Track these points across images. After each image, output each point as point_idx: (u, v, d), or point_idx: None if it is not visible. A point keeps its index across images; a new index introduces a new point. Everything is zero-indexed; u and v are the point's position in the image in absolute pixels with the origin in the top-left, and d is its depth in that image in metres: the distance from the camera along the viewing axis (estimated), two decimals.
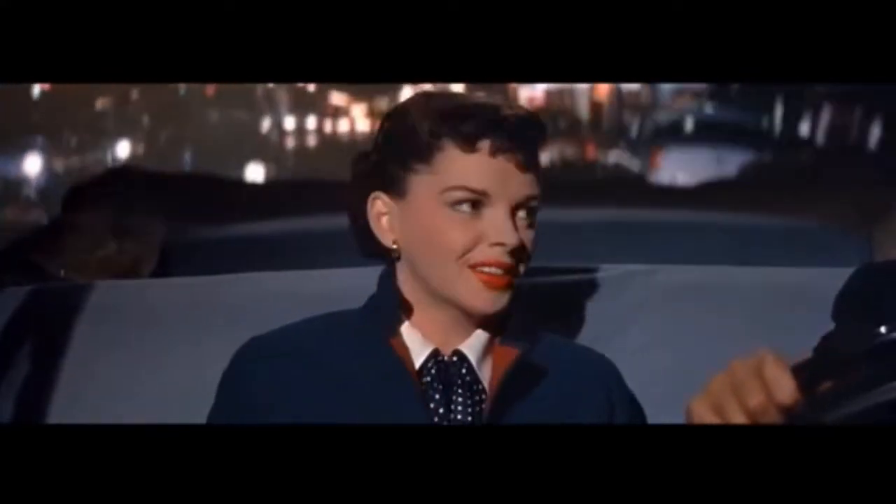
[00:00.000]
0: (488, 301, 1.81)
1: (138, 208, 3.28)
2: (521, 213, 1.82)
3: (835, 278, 1.96)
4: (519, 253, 1.81)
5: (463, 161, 1.80)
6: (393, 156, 1.84)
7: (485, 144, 1.79)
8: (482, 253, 1.80)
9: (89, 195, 3.40)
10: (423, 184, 1.81)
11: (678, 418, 1.63)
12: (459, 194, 1.79)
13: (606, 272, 2.22)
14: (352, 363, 1.83)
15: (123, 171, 4.05)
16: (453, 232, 1.79)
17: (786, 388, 1.44)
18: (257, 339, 1.86)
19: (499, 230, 1.79)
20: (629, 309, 2.18)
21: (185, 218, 3.23)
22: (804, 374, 1.45)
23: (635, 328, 2.16)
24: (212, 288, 2.22)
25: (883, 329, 1.43)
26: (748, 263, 2.33)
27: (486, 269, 1.80)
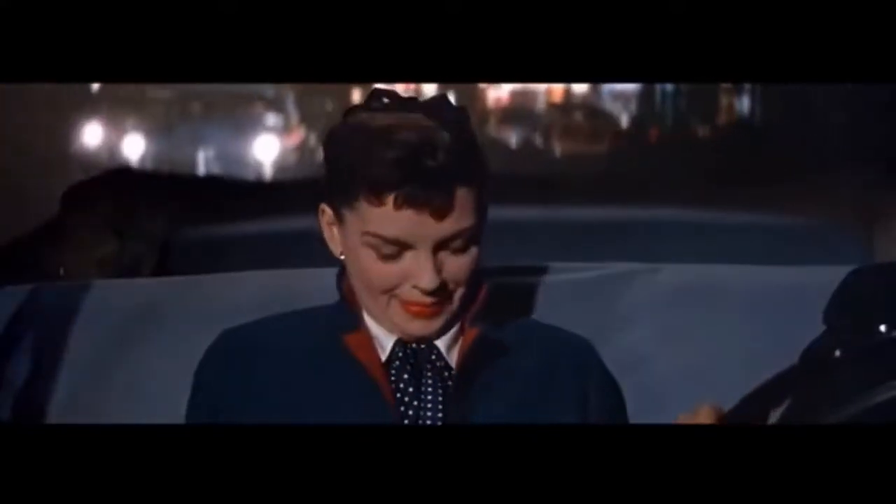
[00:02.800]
0: (419, 328, 1.82)
1: (138, 207, 3.27)
2: (446, 252, 1.79)
3: (836, 278, 1.95)
4: (442, 291, 1.80)
5: (374, 210, 1.78)
6: (333, 179, 1.83)
7: (390, 199, 1.76)
8: (406, 293, 1.80)
9: (89, 194, 3.40)
10: (349, 218, 1.81)
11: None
12: (373, 241, 1.78)
13: (608, 270, 2.22)
14: (317, 358, 1.84)
15: (123, 171, 4.05)
16: (374, 273, 1.80)
17: None
18: (229, 333, 1.88)
19: (419, 274, 1.78)
20: (631, 307, 2.18)
21: (186, 216, 3.22)
22: (739, 417, 1.51)
23: (638, 327, 2.16)
24: (212, 287, 2.22)
25: (882, 328, 1.44)
26: (750, 262, 2.32)
27: (413, 307, 1.81)
